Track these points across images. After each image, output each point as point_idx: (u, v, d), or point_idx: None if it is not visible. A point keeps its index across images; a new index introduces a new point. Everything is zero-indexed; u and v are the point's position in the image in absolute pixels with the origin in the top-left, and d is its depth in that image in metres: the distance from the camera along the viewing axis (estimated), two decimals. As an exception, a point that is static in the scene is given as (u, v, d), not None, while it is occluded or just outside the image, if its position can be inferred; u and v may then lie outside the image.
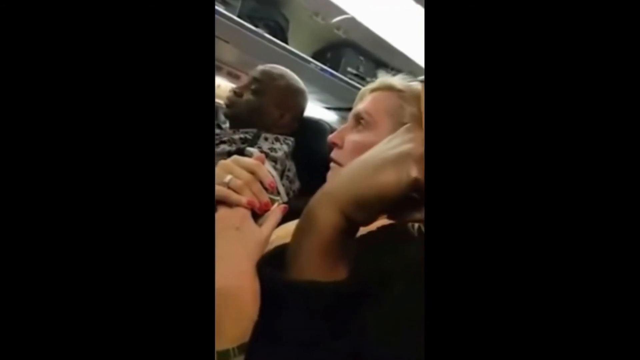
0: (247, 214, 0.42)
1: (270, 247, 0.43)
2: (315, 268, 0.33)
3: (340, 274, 0.34)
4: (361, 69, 1.56)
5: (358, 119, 0.59)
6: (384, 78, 0.63)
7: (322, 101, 1.81)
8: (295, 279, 0.33)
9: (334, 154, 0.61)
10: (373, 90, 0.62)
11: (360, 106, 0.60)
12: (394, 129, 0.49)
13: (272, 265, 0.36)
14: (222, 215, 0.42)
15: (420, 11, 1.28)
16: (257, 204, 0.43)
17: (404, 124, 0.49)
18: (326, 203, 0.33)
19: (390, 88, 0.60)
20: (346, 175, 0.33)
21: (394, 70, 1.65)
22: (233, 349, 0.35)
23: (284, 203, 0.45)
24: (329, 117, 1.88)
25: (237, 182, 0.43)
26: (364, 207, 0.31)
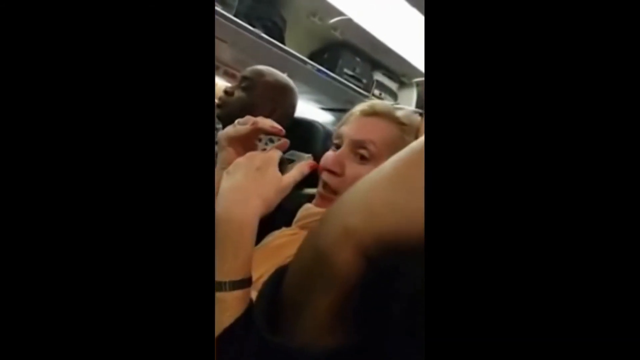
0: (272, 160, 0.45)
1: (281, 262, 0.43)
2: (329, 329, 0.26)
3: (352, 331, 0.27)
4: (357, 70, 1.56)
5: (359, 147, 0.56)
6: (381, 103, 0.60)
7: (318, 102, 1.81)
8: (304, 344, 0.26)
9: (331, 182, 0.58)
10: (368, 114, 0.59)
11: (358, 134, 0.57)
12: None
13: (269, 303, 0.31)
14: (246, 156, 0.46)
15: (414, 13, 1.28)
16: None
17: None
18: (346, 243, 0.23)
19: (392, 119, 0.57)
20: (371, 206, 0.24)
21: (390, 71, 1.66)
22: (225, 282, 0.37)
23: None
24: (325, 117, 1.88)
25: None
26: (395, 249, 0.23)
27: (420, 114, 0.59)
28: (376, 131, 0.57)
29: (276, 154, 0.47)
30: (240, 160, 0.45)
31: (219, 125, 1.02)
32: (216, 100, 0.97)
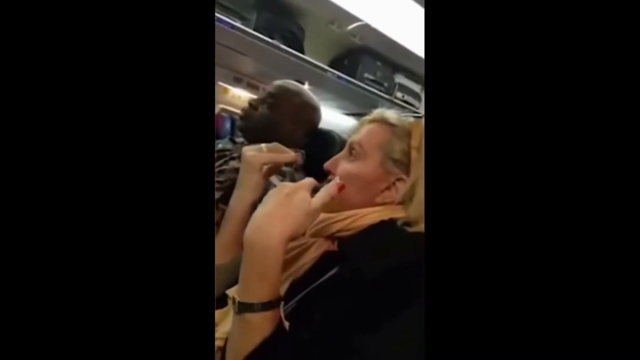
0: (304, 186, 0.46)
1: None
2: None
3: None
4: (378, 74, 1.56)
5: (351, 148, 0.62)
6: (381, 110, 0.64)
7: (341, 108, 1.81)
8: None
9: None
10: (370, 121, 0.64)
11: (355, 136, 0.62)
12: (381, 162, 0.56)
13: None
14: (278, 187, 0.46)
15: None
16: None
17: (393, 158, 0.56)
18: None
19: (384, 121, 0.61)
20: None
21: (412, 73, 1.64)
22: (253, 303, 0.40)
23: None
24: (348, 122, 1.88)
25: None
26: None
27: (416, 117, 0.61)
28: (368, 134, 0.61)
29: (308, 181, 0.48)
30: (272, 190, 0.46)
31: (240, 139, 1.04)
32: (239, 112, 0.99)
